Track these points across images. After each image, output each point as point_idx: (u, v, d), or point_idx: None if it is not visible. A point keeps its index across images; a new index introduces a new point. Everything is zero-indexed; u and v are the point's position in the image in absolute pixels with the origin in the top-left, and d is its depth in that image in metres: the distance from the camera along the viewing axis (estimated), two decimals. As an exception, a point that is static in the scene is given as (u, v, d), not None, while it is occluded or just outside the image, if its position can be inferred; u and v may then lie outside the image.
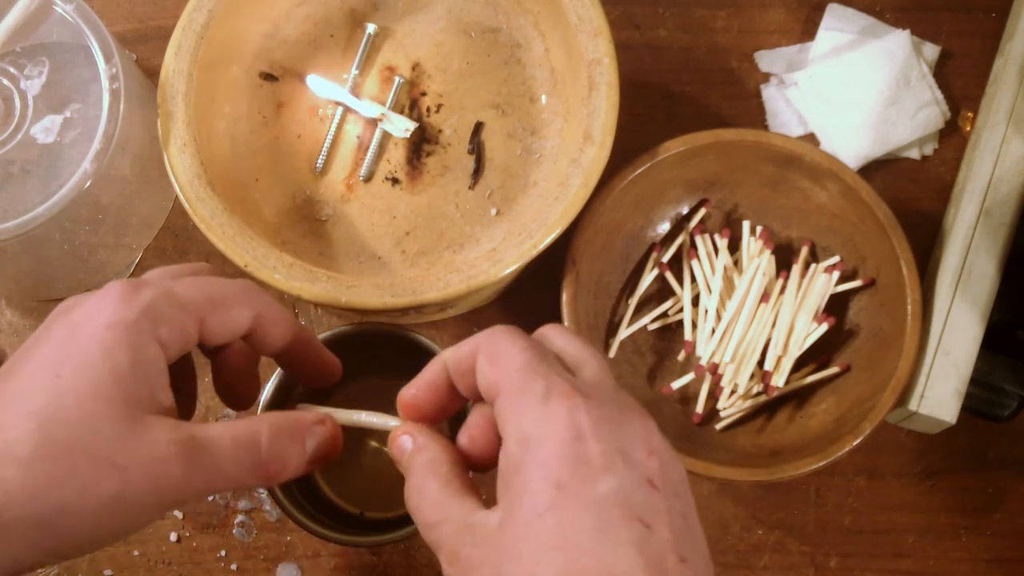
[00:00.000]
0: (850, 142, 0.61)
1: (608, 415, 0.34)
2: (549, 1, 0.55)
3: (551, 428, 0.33)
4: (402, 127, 0.56)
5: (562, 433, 0.33)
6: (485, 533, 0.34)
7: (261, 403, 0.53)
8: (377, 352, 0.57)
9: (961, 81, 0.64)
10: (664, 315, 0.59)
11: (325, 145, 0.57)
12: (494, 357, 0.35)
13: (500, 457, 0.35)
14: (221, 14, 0.54)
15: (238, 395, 0.42)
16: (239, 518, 0.58)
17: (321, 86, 0.57)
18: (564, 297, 0.54)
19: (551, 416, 0.33)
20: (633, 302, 0.58)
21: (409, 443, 0.38)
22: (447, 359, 0.37)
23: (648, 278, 0.58)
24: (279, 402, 0.54)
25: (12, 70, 0.54)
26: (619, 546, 0.32)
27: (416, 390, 0.39)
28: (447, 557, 0.35)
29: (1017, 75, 0.60)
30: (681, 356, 0.59)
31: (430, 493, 0.36)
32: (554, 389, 0.34)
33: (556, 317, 0.53)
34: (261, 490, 0.58)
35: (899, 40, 0.62)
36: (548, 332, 0.38)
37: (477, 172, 0.56)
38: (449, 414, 0.39)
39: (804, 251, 0.58)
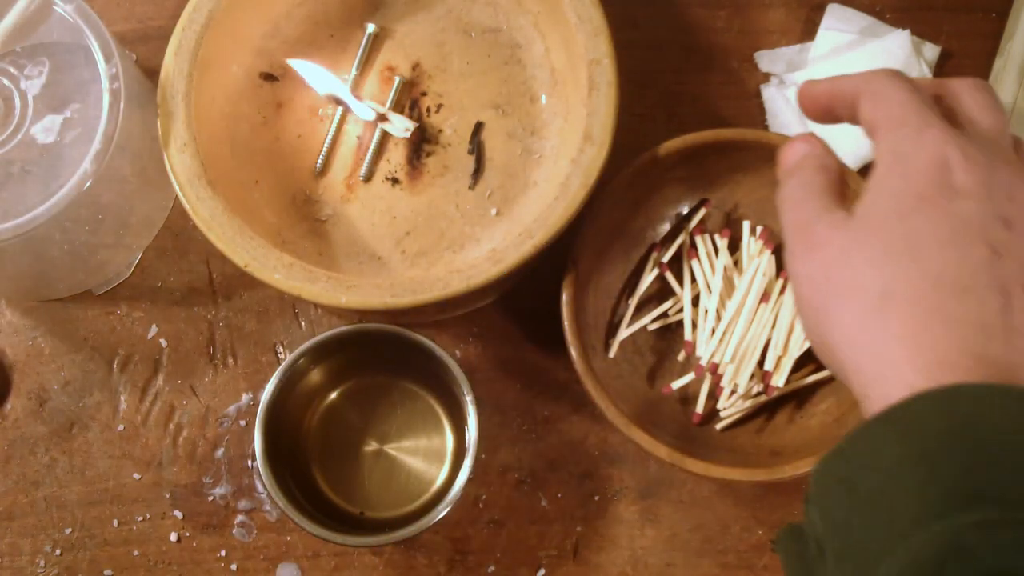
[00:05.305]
0: (850, 142, 0.61)
1: (977, 158, 0.36)
2: (549, 1, 0.55)
3: (922, 152, 0.37)
4: (402, 127, 0.56)
5: (931, 158, 0.36)
6: (842, 220, 0.38)
7: (262, 403, 0.53)
8: (377, 352, 0.58)
9: (961, 81, 0.64)
10: (664, 315, 0.59)
11: (325, 145, 0.57)
12: (875, 99, 0.39)
13: (869, 178, 0.38)
14: (221, 14, 0.54)
15: None
16: (239, 518, 0.58)
17: (310, 72, 0.56)
18: (564, 297, 0.54)
19: (923, 144, 0.37)
20: (633, 302, 0.58)
21: (807, 148, 0.42)
22: (829, 88, 0.42)
23: (648, 278, 0.58)
24: (280, 402, 0.54)
25: (12, 70, 0.54)
26: (965, 261, 0.35)
27: (817, 89, 0.42)
28: (797, 230, 0.39)
29: (1017, 75, 0.60)
30: (681, 356, 0.59)
31: (812, 183, 0.40)
32: (930, 126, 0.37)
33: (556, 317, 0.53)
34: (261, 490, 0.58)
35: (899, 40, 0.62)
36: (959, 87, 0.40)
37: (477, 172, 0.56)
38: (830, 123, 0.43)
39: (804, 251, 0.58)
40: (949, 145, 0.37)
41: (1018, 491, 0.31)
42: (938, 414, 0.33)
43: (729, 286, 0.57)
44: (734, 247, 0.59)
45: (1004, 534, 0.30)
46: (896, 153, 0.38)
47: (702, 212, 0.59)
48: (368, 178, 0.57)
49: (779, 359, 0.56)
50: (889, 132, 0.38)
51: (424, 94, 0.57)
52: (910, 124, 0.37)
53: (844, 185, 0.41)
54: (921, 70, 0.62)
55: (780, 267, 0.58)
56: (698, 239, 0.58)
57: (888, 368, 0.35)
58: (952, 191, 0.36)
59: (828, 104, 0.42)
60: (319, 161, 0.57)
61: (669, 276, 0.59)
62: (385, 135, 0.57)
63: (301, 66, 0.56)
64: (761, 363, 0.56)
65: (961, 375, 0.33)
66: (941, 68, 0.64)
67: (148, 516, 0.58)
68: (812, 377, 0.56)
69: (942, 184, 0.36)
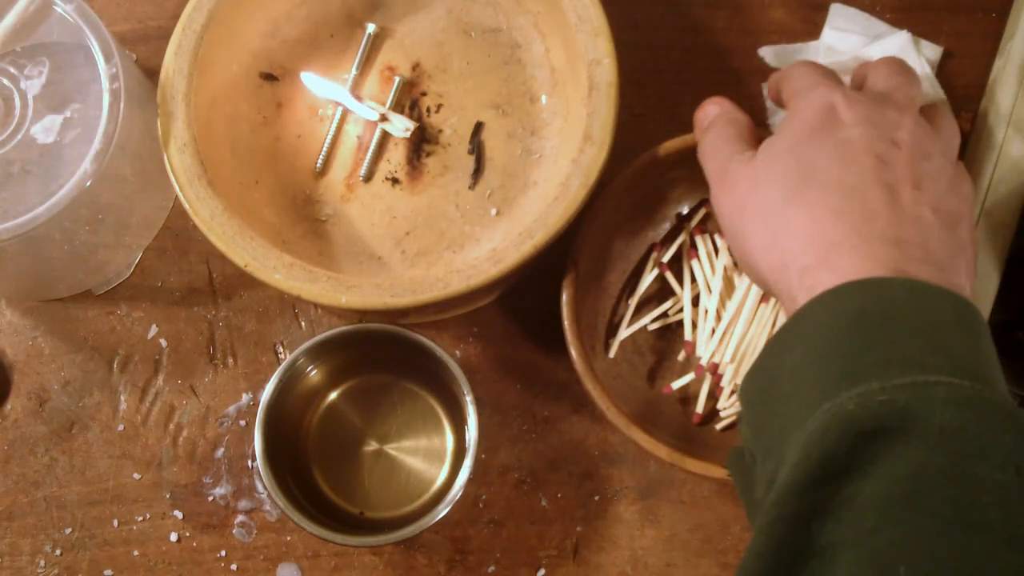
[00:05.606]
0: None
1: (861, 101, 0.44)
2: (549, 1, 0.55)
3: (812, 102, 0.44)
4: (402, 127, 0.56)
5: (819, 104, 0.44)
6: (750, 158, 0.45)
7: (262, 403, 0.53)
8: (377, 352, 0.58)
9: (961, 81, 0.64)
10: (664, 315, 0.59)
11: (325, 145, 0.57)
12: (786, 81, 0.48)
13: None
14: (221, 14, 0.54)
15: None
16: (239, 518, 0.58)
17: (316, 84, 0.57)
18: (564, 297, 0.54)
19: (813, 97, 0.44)
20: (633, 302, 0.58)
21: (716, 108, 0.50)
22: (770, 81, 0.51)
23: (648, 278, 0.58)
24: (280, 402, 0.54)
25: (12, 70, 0.54)
26: (853, 168, 0.42)
27: (770, 82, 0.51)
28: (717, 174, 0.47)
29: (1017, 75, 0.60)
30: (681, 356, 0.59)
31: (724, 135, 0.48)
32: (820, 85, 0.45)
33: (556, 317, 0.53)
34: (261, 490, 0.58)
35: (900, 40, 0.62)
36: (871, 65, 0.48)
37: (477, 172, 0.56)
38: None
39: (804, 251, 0.58)
40: (835, 94, 0.44)
41: (892, 363, 0.36)
42: (827, 315, 0.38)
43: (729, 286, 0.57)
44: (734, 247, 0.59)
45: (879, 397, 0.34)
46: (793, 109, 0.45)
47: (702, 212, 0.59)
48: (368, 178, 0.57)
49: (779, 359, 0.56)
50: (791, 98, 0.46)
51: (424, 94, 0.57)
52: (805, 88, 0.45)
53: (753, 133, 0.48)
54: (923, 69, 0.62)
55: (780, 267, 0.58)
56: (698, 239, 0.58)
57: (789, 258, 0.41)
58: (838, 124, 0.43)
59: (775, 93, 0.50)
60: (319, 161, 0.57)
61: (669, 276, 0.59)
62: (385, 135, 0.57)
63: (311, 80, 0.56)
64: (761, 363, 0.56)
65: (847, 252, 0.40)
66: (942, 68, 0.64)
67: (148, 516, 0.58)
68: (812, 377, 0.56)
69: (829, 120, 0.43)
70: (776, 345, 0.40)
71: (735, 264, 0.58)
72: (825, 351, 0.37)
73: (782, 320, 0.56)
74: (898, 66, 0.47)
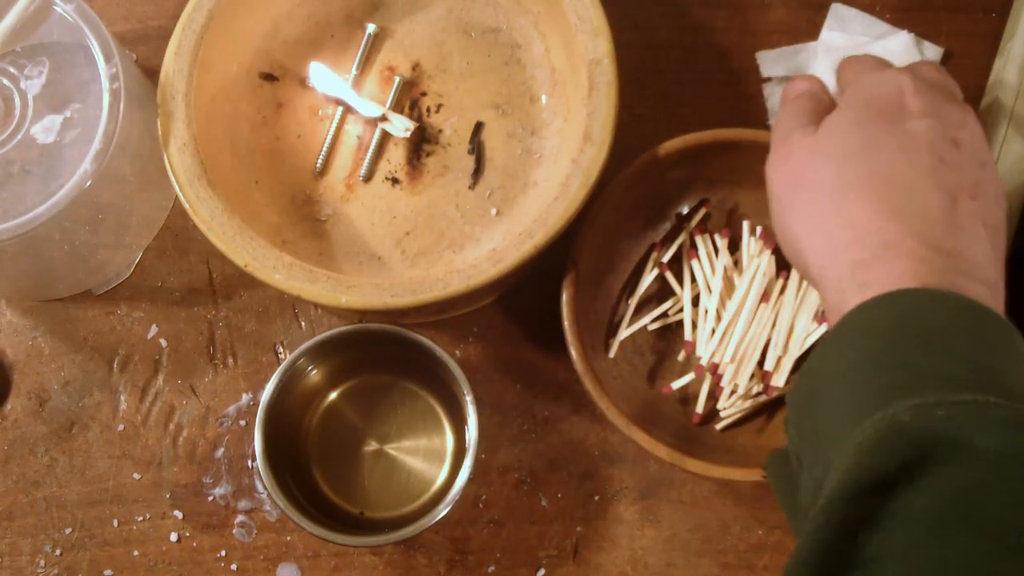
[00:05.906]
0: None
1: (931, 92, 0.43)
2: (549, 1, 0.55)
3: (880, 81, 0.44)
4: (402, 127, 0.56)
5: (888, 84, 0.43)
6: (811, 131, 0.44)
7: (262, 403, 0.53)
8: (377, 352, 0.58)
9: (961, 81, 0.63)
10: (664, 315, 0.59)
11: (325, 145, 0.57)
12: (849, 66, 0.47)
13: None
14: (221, 14, 0.54)
15: None
16: (239, 518, 0.58)
17: (323, 75, 0.56)
18: (564, 297, 0.54)
19: (882, 77, 0.44)
20: (633, 302, 0.58)
21: (806, 85, 0.49)
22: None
23: (648, 278, 0.58)
24: (280, 402, 0.54)
25: (12, 70, 0.54)
26: (914, 165, 0.41)
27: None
28: (778, 140, 0.46)
29: (1017, 75, 0.60)
30: (681, 356, 0.59)
31: (802, 107, 0.47)
32: (889, 69, 0.44)
33: (556, 317, 0.53)
34: (261, 490, 0.58)
35: (900, 41, 0.62)
36: (913, 64, 0.47)
37: (477, 172, 0.56)
38: None
39: (804, 251, 0.58)
40: (905, 77, 0.43)
41: (949, 378, 0.35)
42: (881, 319, 0.37)
43: (729, 286, 0.57)
44: (734, 247, 0.59)
45: (936, 411, 0.34)
46: (859, 85, 0.45)
47: (702, 212, 0.59)
48: (368, 178, 0.57)
49: (779, 359, 0.56)
50: (855, 78, 0.46)
51: (424, 94, 0.57)
52: (872, 69, 0.45)
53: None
54: (921, 70, 0.62)
55: (780, 267, 0.58)
56: (698, 239, 0.58)
57: (839, 247, 0.40)
58: (905, 112, 0.42)
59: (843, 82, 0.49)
60: (319, 161, 0.57)
61: (669, 276, 0.59)
62: (385, 135, 0.57)
63: (318, 70, 0.56)
64: (761, 363, 0.56)
65: (904, 255, 0.39)
66: (941, 68, 0.64)
67: (148, 516, 0.58)
68: (812, 377, 0.56)
69: (896, 105, 0.42)
70: (827, 348, 0.39)
71: (735, 264, 0.58)
72: (880, 357, 0.36)
73: (783, 319, 0.56)
74: (941, 69, 0.47)
